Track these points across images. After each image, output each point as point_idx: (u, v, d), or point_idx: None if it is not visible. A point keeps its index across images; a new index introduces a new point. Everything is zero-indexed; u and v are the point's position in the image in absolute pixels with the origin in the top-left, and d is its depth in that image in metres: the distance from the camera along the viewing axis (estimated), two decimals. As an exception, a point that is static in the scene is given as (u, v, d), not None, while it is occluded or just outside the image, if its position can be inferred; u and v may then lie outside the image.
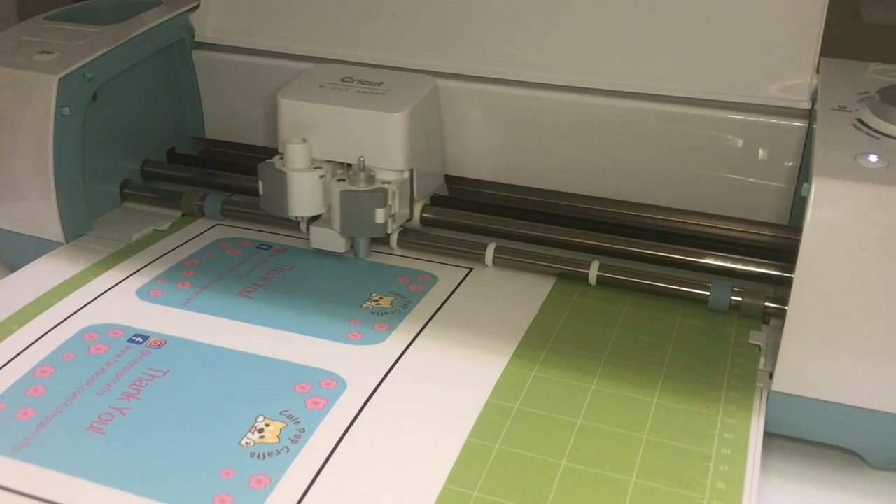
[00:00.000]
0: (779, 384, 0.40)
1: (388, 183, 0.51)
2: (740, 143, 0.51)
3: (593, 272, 0.49)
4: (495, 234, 0.53)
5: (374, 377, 0.41)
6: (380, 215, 0.50)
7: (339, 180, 0.51)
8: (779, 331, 0.45)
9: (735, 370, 0.42)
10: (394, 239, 0.53)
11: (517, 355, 0.43)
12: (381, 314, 0.46)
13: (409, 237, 0.53)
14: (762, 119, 0.51)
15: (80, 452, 0.37)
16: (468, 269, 0.51)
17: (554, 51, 0.55)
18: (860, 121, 0.43)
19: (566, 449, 0.37)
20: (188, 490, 0.35)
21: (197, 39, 0.61)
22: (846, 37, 0.53)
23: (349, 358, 0.43)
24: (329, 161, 0.52)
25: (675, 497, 0.35)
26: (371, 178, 0.50)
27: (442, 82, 0.55)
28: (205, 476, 0.35)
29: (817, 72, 0.50)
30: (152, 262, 0.51)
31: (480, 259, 0.51)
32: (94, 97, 0.54)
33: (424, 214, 0.54)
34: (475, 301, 0.48)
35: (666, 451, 0.37)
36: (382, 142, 0.51)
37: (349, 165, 0.51)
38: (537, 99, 0.54)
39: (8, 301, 0.47)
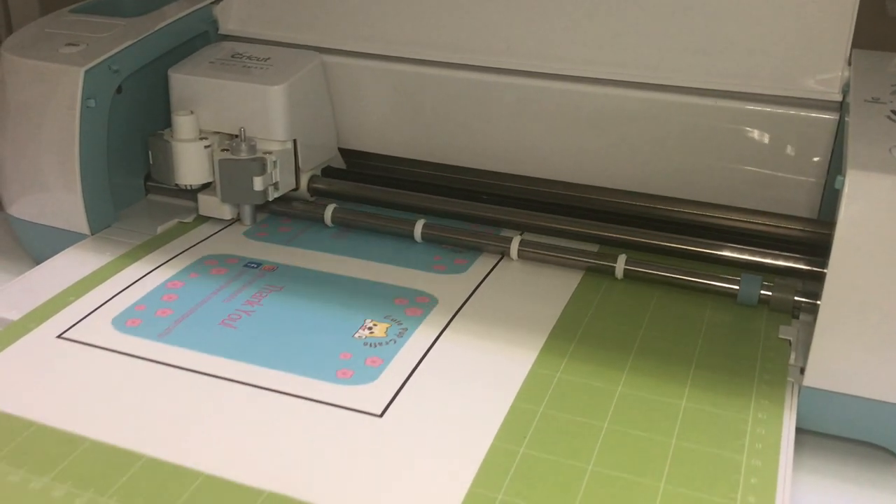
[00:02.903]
0: (810, 379, 0.40)
1: (269, 153, 0.53)
2: (770, 135, 0.51)
3: (620, 266, 0.49)
4: (392, 206, 0.55)
5: (461, 296, 0.47)
6: (258, 183, 0.52)
7: (224, 150, 0.53)
8: (809, 325, 0.44)
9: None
10: (417, 231, 0.53)
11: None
12: (458, 252, 0.52)
13: (432, 229, 0.53)
14: (793, 112, 0.50)
15: (216, 339, 0.44)
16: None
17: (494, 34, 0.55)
18: (895, 112, 0.43)
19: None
20: (314, 364, 0.42)
21: (220, 32, 0.61)
22: (870, 30, 0.52)
23: (437, 283, 0.49)
24: (217, 132, 0.55)
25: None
26: (252, 148, 0.53)
27: (331, 58, 0.57)
28: (327, 356, 0.42)
29: (849, 63, 0.49)
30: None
31: (504, 252, 0.51)
32: (119, 89, 0.54)
33: (314, 185, 0.57)
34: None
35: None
36: (263, 113, 0.54)
37: (236, 136, 0.53)
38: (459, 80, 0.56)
39: (32, 297, 0.47)
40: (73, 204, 0.52)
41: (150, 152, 0.55)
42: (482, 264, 0.51)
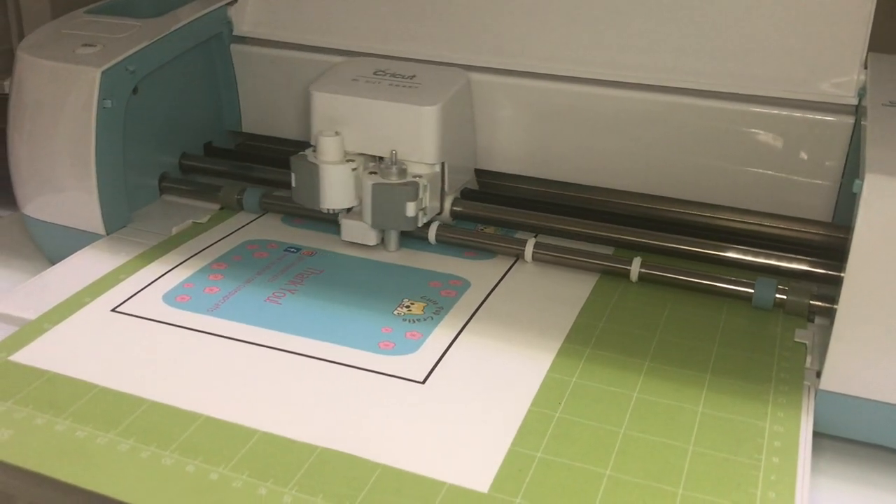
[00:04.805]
0: (827, 383, 0.40)
1: (420, 176, 0.51)
2: (785, 139, 0.51)
3: (635, 269, 0.49)
4: (526, 228, 0.54)
5: (493, 279, 0.50)
6: (411, 209, 0.50)
7: (371, 173, 0.51)
8: (824, 329, 0.44)
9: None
10: (432, 234, 0.53)
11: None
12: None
13: (446, 232, 0.53)
14: (808, 115, 0.50)
15: (262, 313, 0.46)
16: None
17: (589, 45, 0.54)
18: (912, 117, 0.43)
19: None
20: (357, 337, 0.44)
21: (235, 33, 0.61)
22: (885, 34, 0.52)
23: (469, 268, 0.51)
24: (361, 154, 0.52)
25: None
26: (403, 172, 0.50)
27: (474, 76, 0.55)
28: (369, 330, 0.45)
29: (865, 67, 0.49)
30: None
31: (520, 255, 0.51)
32: (135, 90, 0.54)
33: (455, 208, 0.54)
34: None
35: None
36: (415, 135, 0.51)
37: (381, 158, 0.51)
38: (572, 93, 0.54)
39: (49, 296, 0.48)
40: (88, 204, 0.53)
41: (292, 174, 0.52)
42: (497, 264, 0.51)
